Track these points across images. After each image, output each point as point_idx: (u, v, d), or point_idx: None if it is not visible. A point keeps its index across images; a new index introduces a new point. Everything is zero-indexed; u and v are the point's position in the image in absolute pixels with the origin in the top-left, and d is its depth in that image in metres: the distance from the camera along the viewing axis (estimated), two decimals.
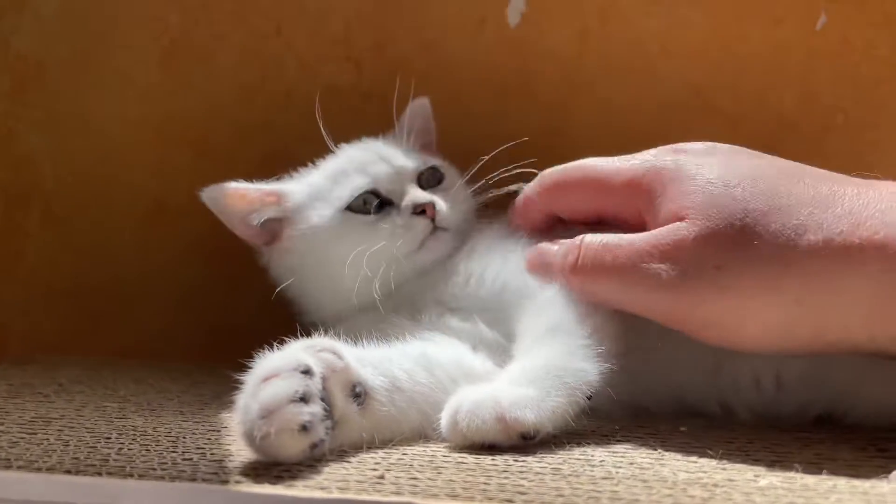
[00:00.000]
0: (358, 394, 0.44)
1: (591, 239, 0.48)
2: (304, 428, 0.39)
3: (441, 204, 0.60)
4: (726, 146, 0.49)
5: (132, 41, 0.84)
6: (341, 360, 0.43)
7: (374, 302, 0.56)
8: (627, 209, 0.50)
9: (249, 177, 0.82)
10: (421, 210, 0.59)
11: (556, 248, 0.51)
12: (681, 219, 0.45)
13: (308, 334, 0.45)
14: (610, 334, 0.48)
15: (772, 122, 0.76)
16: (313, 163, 0.67)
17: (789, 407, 0.53)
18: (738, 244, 0.43)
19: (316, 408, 0.40)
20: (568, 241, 0.50)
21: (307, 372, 0.41)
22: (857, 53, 0.74)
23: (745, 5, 0.75)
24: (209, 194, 0.62)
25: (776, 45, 0.75)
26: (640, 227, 0.48)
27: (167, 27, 0.83)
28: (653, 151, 0.50)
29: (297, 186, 0.64)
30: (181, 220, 0.84)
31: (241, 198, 0.63)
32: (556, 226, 0.56)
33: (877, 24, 0.74)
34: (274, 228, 0.63)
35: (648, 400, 0.55)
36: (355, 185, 0.60)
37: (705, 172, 0.46)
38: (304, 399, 0.39)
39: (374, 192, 0.60)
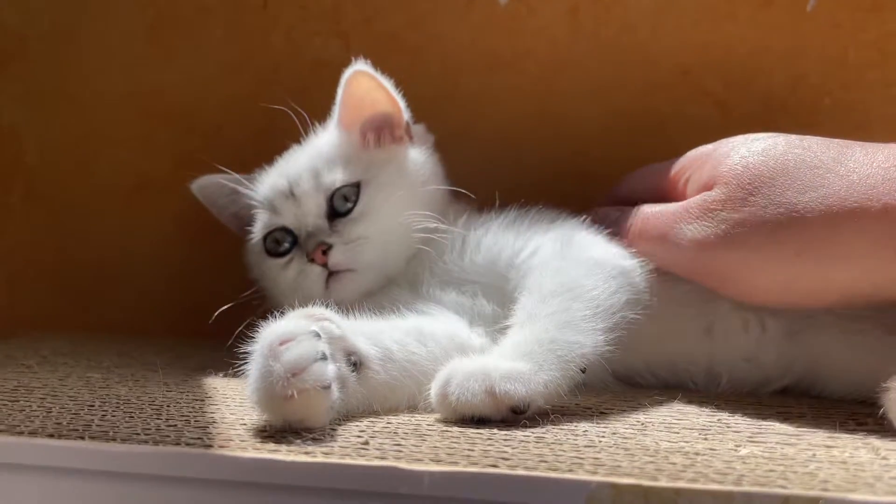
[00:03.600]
0: (354, 363, 0.44)
1: (644, 209, 0.57)
2: (328, 386, 0.39)
3: (337, 248, 0.57)
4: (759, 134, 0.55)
5: (116, 14, 0.83)
6: (339, 328, 0.44)
7: None
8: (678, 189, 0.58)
9: (236, 153, 0.82)
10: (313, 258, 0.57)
11: (616, 215, 0.59)
12: (709, 188, 0.52)
13: None
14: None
15: (759, 104, 0.76)
16: (299, 142, 0.66)
17: (771, 362, 0.55)
18: (747, 204, 0.49)
19: (334, 366, 0.41)
20: (628, 208, 0.58)
21: (318, 336, 0.41)
22: (845, 37, 0.75)
23: None
24: (196, 186, 0.66)
25: (765, 27, 0.75)
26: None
27: (152, 0, 0.82)
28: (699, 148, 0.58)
29: (260, 186, 0.63)
30: (166, 196, 0.83)
31: (219, 186, 0.65)
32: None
33: (865, 8, 0.74)
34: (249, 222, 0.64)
35: (639, 367, 0.56)
36: (265, 221, 0.61)
37: (731, 151, 0.53)
38: (324, 359, 0.40)
39: (284, 229, 0.60)
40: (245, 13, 0.81)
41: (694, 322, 0.56)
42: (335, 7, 0.79)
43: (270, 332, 0.41)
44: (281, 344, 0.39)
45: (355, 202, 0.59)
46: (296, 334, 0.40)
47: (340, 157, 0.61)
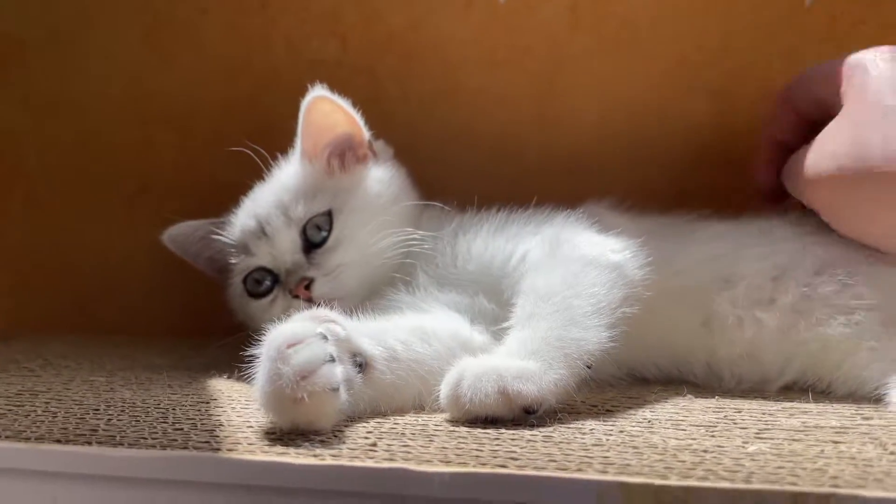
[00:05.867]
0: (359, 363, 0.44)
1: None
2: (336, 389, 0.39)
3: (319, 280, 0.56)
4: None
5: (114, 18, 0.83)
6: (344, 330, 0.44)
7: None
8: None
9: (236, 155, 0.82)
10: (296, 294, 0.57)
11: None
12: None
13: None
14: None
15: (758, 98, 0.76)
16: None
17: (770, 358, 0.55)
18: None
19: (342, 368, 0.41)
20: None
21: (324, 338, 0.41)
22: (843, 30, 0.75)
23: None
24: (166, 236, 0.65)
25: (764, 22, 0.75)
26: None
27: (150, 2, 0.82)
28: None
29: (230, 229, 0.62)
30: (166, 198, 0.83)
31: (189, 233, 0.65)
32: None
33: (864, 2, 0.74)
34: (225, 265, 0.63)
35: (642, 361, 0.56)
36: (244, 265, 0.60)
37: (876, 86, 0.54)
38: (332, 361, 0.40)
39: (261, 269, 0.60)
40: (243, 15, 0.81)
41: (691, 316, 0.56)
42: (334, 8, 0.79)
43: (277, 334, 0.40)
44: (289, 347, 0.39)
45: (329, 231, 0.58)
46: (303, 337, 0.40)
47: (307, 187, 0.60)
